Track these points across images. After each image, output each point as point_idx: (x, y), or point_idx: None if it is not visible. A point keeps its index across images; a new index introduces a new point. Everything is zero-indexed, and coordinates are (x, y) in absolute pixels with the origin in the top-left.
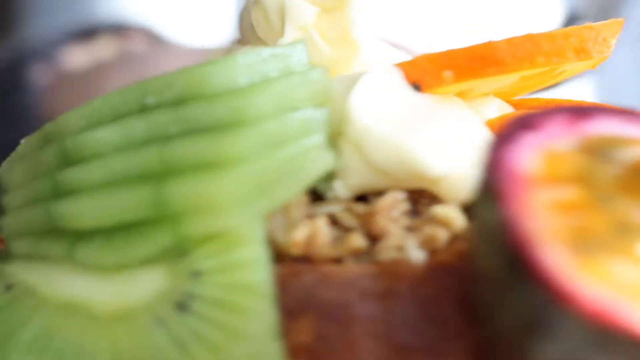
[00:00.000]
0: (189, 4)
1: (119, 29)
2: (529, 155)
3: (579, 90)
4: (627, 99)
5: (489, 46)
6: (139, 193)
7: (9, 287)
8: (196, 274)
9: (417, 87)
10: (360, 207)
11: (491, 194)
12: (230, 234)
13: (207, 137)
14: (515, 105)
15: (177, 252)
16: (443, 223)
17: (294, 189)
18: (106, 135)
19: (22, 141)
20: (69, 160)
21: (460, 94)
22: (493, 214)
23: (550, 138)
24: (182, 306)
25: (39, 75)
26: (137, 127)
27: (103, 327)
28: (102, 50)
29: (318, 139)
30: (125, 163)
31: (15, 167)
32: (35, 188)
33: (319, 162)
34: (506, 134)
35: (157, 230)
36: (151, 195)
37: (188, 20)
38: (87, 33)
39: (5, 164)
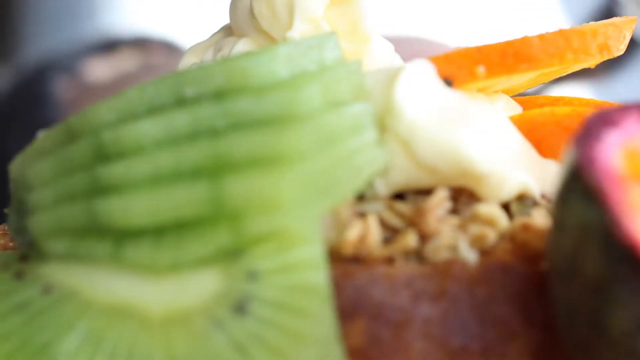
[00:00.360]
0: (207, 15)
1: (139, 42)
2: (617, 153)
3: (576, 89)
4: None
5: (522, 42)
6: (194, 189)
7: (47, 289)
8: (253, 275)
9: (449, 82)
10: (403, 206)
11: (589, 194)
12: (287, 233)
13: (261, 131)
14: (520, 102)
15: (232, 252)
16: (488, 222)
17: (353, 187)
18: (147, 128)
19: (40, 135)
20: (105, 155)
21: (478, 90)
22: (593, 213)
23: (629, 135)
24: (240, 308)
25: (61, 88)
26: (180, 120)
27: (156, 331)
28: (123, 62)
29: (371, 134)
30: (175, 158)
31: (39, 163)
32: (69, 184)
33: (374, 159)
34: (591, 131)
35: (214, 229)
36: (208, 191)
37: (205, 31)
38: (109, 45)
39: (20, 160)
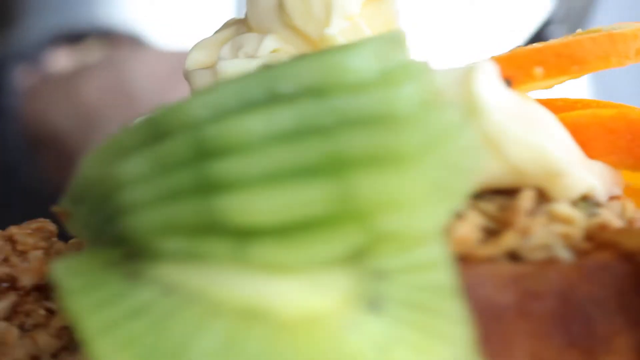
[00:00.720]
0: (175, 9)
1: (105, 34)
2: None
3: (576, 90)
4: (622, 99)
5: (576, 44)
6: (319, 187)
7: (168, 291)
8: (381, 274)
9: (508, 82)
10: (488, 205)
11: None
12: (413, 233)
13: (376, 130)
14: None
15: (359, 250)
16: (567, 221)
17: (467, 186)
18: (252, 124)
19: (120, 131)
20: (207, 151)
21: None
22: None
23: None
24: (374, 308)
25: (22, 77)
26: (284, 116)
27: (290, 334)
28: (87, 54)
29: (471, 134)
30: (290, 155)
31: (130, 160)
32: (172, 181)
33: (478, 158)
34: None
35: (344, 228)
36: (335, 190)
37: (173, 24)
38: (74, 37)
39: (97, 157)
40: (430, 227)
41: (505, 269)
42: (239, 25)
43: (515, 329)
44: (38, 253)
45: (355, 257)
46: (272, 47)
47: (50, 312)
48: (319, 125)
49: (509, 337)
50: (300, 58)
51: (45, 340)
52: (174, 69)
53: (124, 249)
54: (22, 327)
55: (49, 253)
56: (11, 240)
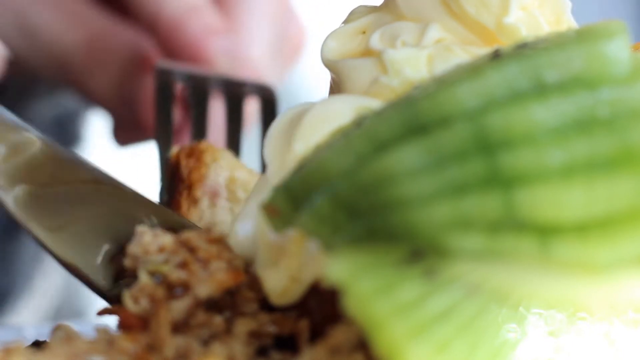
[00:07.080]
0: None
1: None
2: None
3: None
4: None
5: None
6: (622, 181)
7: (472, 291)
8: None
9: None
10: None
11: None
12: None
13: None
14: None
15: None
16: None
17: None
18: (536, 115)
19: (366, 122)
20: (492, 143)
21: None
22: None
23: None
24: None
25: None
26: (563, 108)
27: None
28: None
29: None
30: (584, 148)
31: (399, 153)
32: (456, 174)
33: None
34: None
35: None
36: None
37: None
38: None
39: (343, 152)
40: None
41: None
42: (380, 14)
43: None
44: (221, 264)
45: None
46: (436, 36)
47: (228, 320)
48: (598, 118)
49: None
50: (558, 45)
51: (238, 348)
52: None
53: (408, 245)
54: (201, 340)
55: (231, 265)
56: (187, 246)
